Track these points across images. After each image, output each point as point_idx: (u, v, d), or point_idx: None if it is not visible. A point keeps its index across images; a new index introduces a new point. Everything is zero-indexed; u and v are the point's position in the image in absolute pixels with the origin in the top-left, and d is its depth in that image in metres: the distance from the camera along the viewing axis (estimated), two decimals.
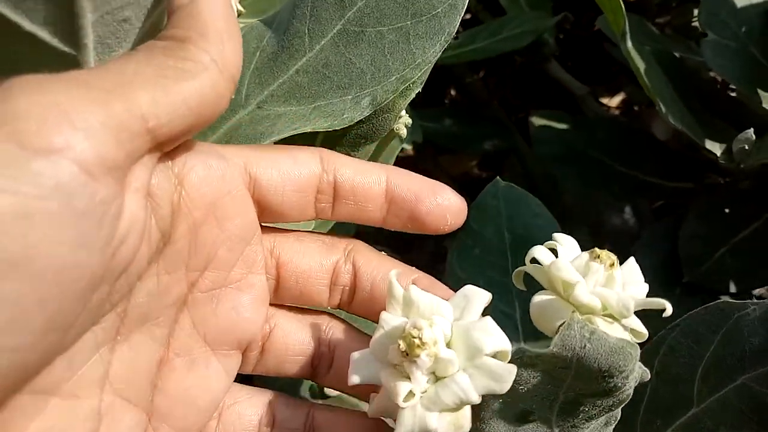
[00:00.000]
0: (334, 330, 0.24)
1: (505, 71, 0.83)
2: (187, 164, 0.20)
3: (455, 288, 0.21)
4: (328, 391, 0.41)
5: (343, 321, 0.24)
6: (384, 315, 0.20)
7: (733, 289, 0.50)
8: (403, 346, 0.19)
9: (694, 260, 0.51)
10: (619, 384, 0.21)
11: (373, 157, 0.33)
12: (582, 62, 0.79)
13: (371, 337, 0.23)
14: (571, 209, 0.65)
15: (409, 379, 0.19)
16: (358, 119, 0.24)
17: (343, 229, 0.24)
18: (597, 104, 0.73)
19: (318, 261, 0.23)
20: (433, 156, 0.77)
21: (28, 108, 0.15)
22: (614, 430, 0.24)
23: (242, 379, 0.24)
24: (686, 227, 0.52)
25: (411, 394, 0.19)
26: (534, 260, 0.23)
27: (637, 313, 0.22)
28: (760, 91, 0.48)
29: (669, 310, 0.22)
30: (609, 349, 0.20)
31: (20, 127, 0.15)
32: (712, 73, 0.60)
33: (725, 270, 0.50)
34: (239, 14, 0.30)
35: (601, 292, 0.22)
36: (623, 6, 0.45)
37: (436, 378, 0.19)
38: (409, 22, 0.24)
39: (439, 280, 0.24)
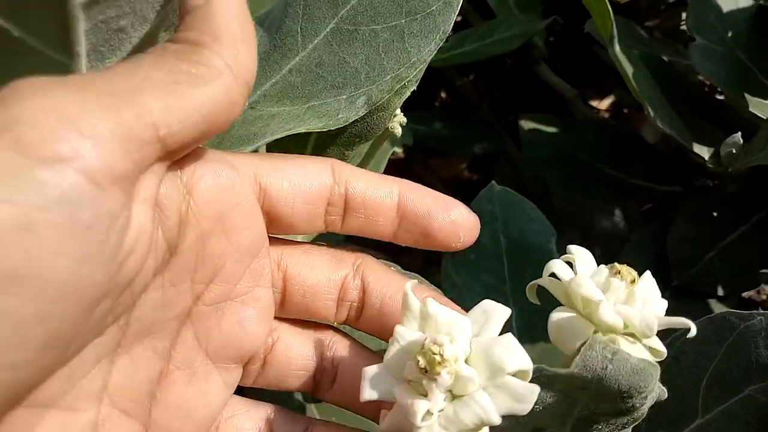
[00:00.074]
0: (338, 345, 0.23)
1: (495, 74, 0.83)
2: (197, 173, 0.19)
3: (450, 294, 0.21)
4: None
5: (347, 336, 0.24)
6: (399, 329, 0.19)
7: (721, 292, 0.50)
8: (422, 362, 0.18)
9: (683, 263, 0.52)
10: (637, 404, 0.21)
11: (367, 156, 0.33)
12: (572, 65, 0.79)
13: (375, 353, 0.23)
14: (561, 212, 0.65)
15: (426, 396, 0.18)
16: (353, 119, 0.24)
17: (333, 236, 0.23)
18: (586, 107, 0.74)
19: (326, 275, 0.22)
20: (424, 159, 0.77)
21: (34, 113, 0.14)
22: None
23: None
24: (675, 230, 0.53)
25: (428, 412, 0.18)
26: (552, 275, 0.23)
27: None
28: (747, 95, 0.49)
29: (693, 330, 0.21)
30: (630, 369, 0.19)
31: (24, 134, 0.14)
32: (700, 77, 0.61)
33: (714, 273, 0.51)
34: None
35: (623, 310, 0.21)
36: (611, 10, 0.45)
37: (453, 396, 0.19)
38: (403, 21, 0.24)
39: (433, 284, 0.23)
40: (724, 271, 0.50)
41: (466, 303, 0.21)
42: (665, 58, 0.57)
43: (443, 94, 0.86)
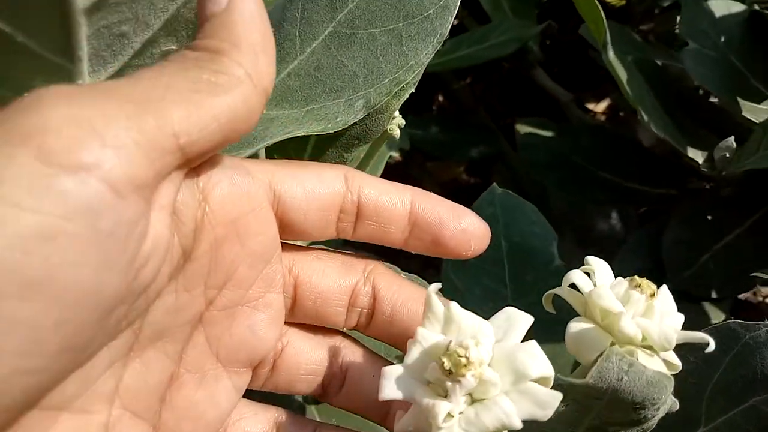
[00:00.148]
0: (347, 350, 0.23)
1: (492, 77, 0.83)
2: (212, 179, 0.19)
3: (450, 297, 0.21)
4: None
5: (356, 342, 0.24)
6: (422, 331, 0.20)
7: (715, 295, 0.51)
8: (447, 364, 0.18)
9: (678, 266, 0.52)
10: (650, 415, 0.21)
11: (365, 159, 0.33)
12: (568, 68, 0.80)
13: (384, 359, 0.23)
14: (557, 214, 0.65)
15: (446, 398, 0.18)
16: (352, 122, 0.24)
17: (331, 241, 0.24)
18: (581, 111, 0.74)
19: (337, 282, 0.23)
20: (421, 163, 0.77)
21: (57, 122, 0.14)
22: None
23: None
24: (670, 233, 0.53)
25: (448, 415, 0.18)
26: (571, 285, 0.23)
27: None
28: (740, 100, 0.49)
29: (712, 345, 0.21)
30: (645, 381, 0.20)
31: (48, 143, 0.14)
32: (695, 81, 0.61)
33: (708, 276, 0.51)
34: None
35: (642, 323, 0.21)
36: (604, 16, 0.45)
37: (472, 399, 0.19)
38: (401, 24, 0.24)
39: None
40: (719, 273, 0.51)
41: (466, 307, 0.21)
42: (659, 63, 0.57)
43: (440, 98, 0.86)
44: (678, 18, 0.52)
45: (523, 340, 0.19)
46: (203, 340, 0.21)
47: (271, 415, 0.23)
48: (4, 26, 0.18)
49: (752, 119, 0.48)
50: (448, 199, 0.23)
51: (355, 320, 0.23)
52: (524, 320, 0.20)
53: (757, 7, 0.51)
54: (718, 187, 0.55)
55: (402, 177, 0.23)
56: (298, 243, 0.24)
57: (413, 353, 0.19)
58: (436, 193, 0.23)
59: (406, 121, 0.30)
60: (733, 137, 0.48)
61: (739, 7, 0.52)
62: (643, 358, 0.21)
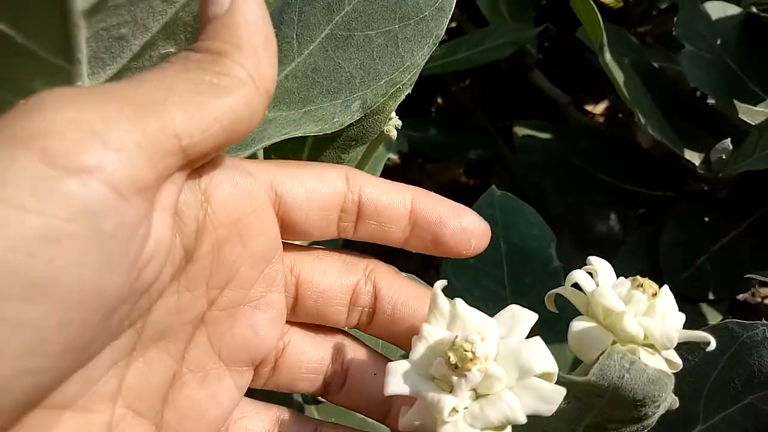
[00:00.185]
0: (348, 349, 0.23)
1: (491, 80, 0.84)
2: (214, 180, 0.19)
3: (451, 298, 0.21)
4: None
5: (357, 340, 0.24)
6: (427, 327, 0.20)
7: (712, 296, 0.51)
8: (453, 359, 0.18)
9: (675, 268, 0.52)
10: (650, 413, 0.21)
11: (363, 160, 0.33)
12: (567, 69, 0.80)
13: (385, 357, 0.24)
14: (556, 216, 0.65)
15: (451, 393, 0.19)
16: (349, 123, 0.25)
17: (332, 240, 0.24)
18: (579, 113, 0.74)
19: (338, 281, 0.23)
20: (419, 165, 0.77)
21: (60, 125, 0.15)
22: None
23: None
24: (667, 235, 0.53)
25: (453, 409, 0.18)
26: (574, 285, 0.23)
27: None
28: (736, 102, 0.50)
29: (713, 344, 0.22)
30: (646, 379, 0.20)
31: (51, 145, 0.14)
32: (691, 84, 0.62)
33: (705, 277, 0.51)
34: None
35: (644, 322, 0.21)
36: (601, 19, 0.46)
37: (477, 395, 0.19)
38: (396, 26, 0.24)
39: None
40: (716, 275, 0.51)
41: None
42: (656, 65, 0.58)
43: (440, 100, 0.86)
44: (675, 20, 0.52)
45: (526, 338, 0.20)
46: (205, 340, 0.21)
47: (273, 413, 0.23)
48: (4, 28, 0.19)
49: (748, 121, 0.48)
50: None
51: (356, 319, 0.23)
52: (528, 317, 0.20)
53: (755, 10, 0.52)
54: (714, 189, 0.55)
55: (401, 179, 0.23)
56: (300, 243, 0.24)
57: (418, 349, 0.20)
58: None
59: (405, 124, 0.30)
60: (729, 139, 0.48)
61: (735, 10, 0.52)
62: (645, 357, 0.21)
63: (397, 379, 0.19)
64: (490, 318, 0.20)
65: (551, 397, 0.18)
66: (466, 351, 0.18)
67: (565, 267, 0.43)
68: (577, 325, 0.22)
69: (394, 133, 0.29)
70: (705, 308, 0.51)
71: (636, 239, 0.57)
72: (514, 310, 0.20)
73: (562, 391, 0.18)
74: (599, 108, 0.83)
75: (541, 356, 0.19)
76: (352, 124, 0.26)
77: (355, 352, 0.23)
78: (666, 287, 0.23)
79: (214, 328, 0.21)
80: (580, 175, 0.61)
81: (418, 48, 0.24)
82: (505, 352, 0.19)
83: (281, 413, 0.23)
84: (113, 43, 0.20)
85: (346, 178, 0.22)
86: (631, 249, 0.56)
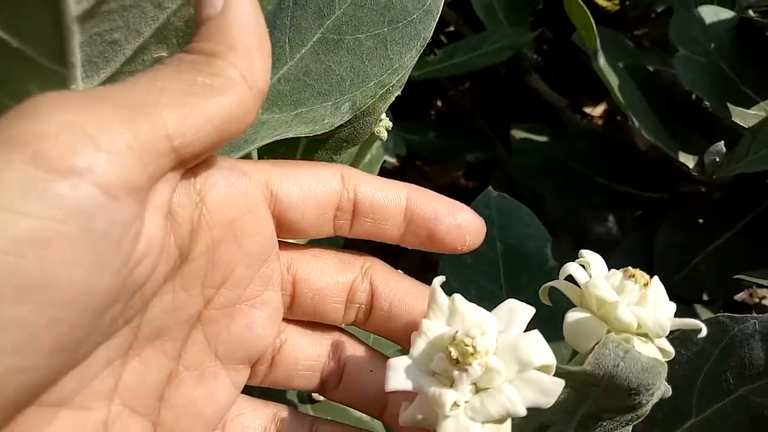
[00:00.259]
0: (345, 346, 0.24)
1: (490, 83, 0.84)
2: (209, 181, 0.20)
3: (447, 295, 0.22)
4: (316, 396, 0.41)
5: (353, 337, 0.24)
6: (427, 323, 0.20)
7: (706, 297, 0.51)
8: (454, 353, 0.18)
9: (670, 269, 0.52)
10: (644, 401, 0.21)
11: (355, 161, 0.34)
12: (566, 72, 0.80)
13: (382, 353, 0.24)
14: (553, 218, 0.66)
15: (452, 387, 0.19)
16: (338, 124, 0.25)
17: (332, 239, 0.24)
18: (577, 116, 0.75)
19: (334, 279, 0.23)
20: (418, 168, 0.78)
21: (52, 128, 0.15)
22: None
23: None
24: (661, 237, 0.54)
25: (454, 404, 0.19)
26: (567, 277, 0.23)
27: None
28: (729, 105, 0.50)
29: (704, 331, 0.22)
30: (641, 367, 0.20)
31: (43, 149, 0.15)
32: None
33: (700, 278, 0.52)
34: None
35: (637, 311, 0.22)
36: (594, 24, 0.46)
37: (477, 389, 0.19)
38: (386, 29, 0.25)
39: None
40: (710, 276, 0.51)
41: None
42: (651, 68, 0.58)
43: (439, 103, 0.87)
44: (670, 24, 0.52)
45: (524, 332, 0.20)
46: (202, 339, 0.21)
47: (270, 410, 0.23)
48: (0, 33, 0.19)
49: (741, 124, 0.49)
50: None
51: (354, 316, 0.23)
52: (526, 312, 0.20)
53: (752, 13, 0.52)
54: (709, 191, 0.56)
55: (400, 180, 0.23)
56: (296, 241, 0.24)
57: (419, 345, 0.20)
58: None
59: (403, 127, 0.31)
60: (722, 142, 0.49)
61: (728, 14, 0.52)
62: (639, 345, 0.21)
63: (398, 375, 0.19)
64: (489, 313, 0.20)
65: (550, 390, 0.18)
66: (466, 345, 0.18)
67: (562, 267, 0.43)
68: (572, 316, 0.22)
69: (384, 135, 0.29)
70: (700, 309, 0.51)
71: (632, 241, 0.57)
72: (512, 304, 0.21)
73: (560, 383, 0.18)
74: (598, 110, 0.84)
75: (539, 349, 0.19)
76: (343, 125, 0.26)
77: (351, 349, 0.23)
78: (656, 278, 0.23)
79: (211, 326, 0.21)
80: (578, 178, 0.61)
81: (406, 50, 0.25)
82: (504, 346, 0.19)
83: (278, 410, 0.23)
84: (106, 47, 0.20)
85: (341, 177, 0.22)
86: (627, 250, 0.57)
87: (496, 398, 0.19)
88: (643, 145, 0.66)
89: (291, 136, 0.25)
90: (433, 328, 0.20)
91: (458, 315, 0.20)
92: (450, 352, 0.18)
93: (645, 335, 0.22)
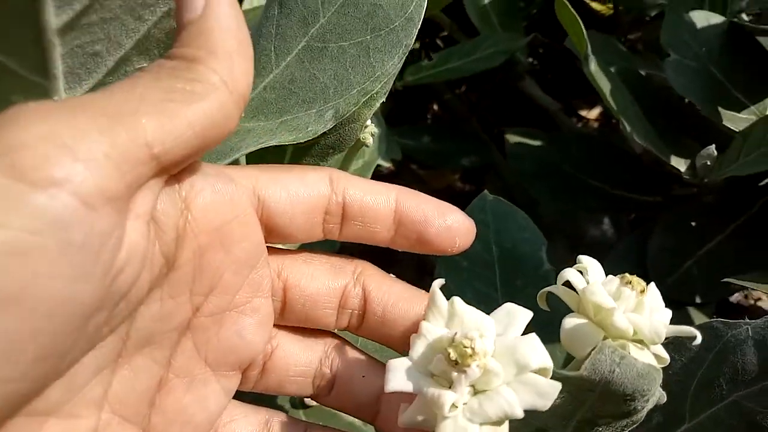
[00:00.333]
0: (337, 351, 0.23)
1: (486, 87, 0.85)
2: (195, 187, 0.19)
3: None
4: (308, 401, 0.41)
5: (346, 342, 0.24)
6: (426, 325, 0.20)
7: (699, 300, 0.51)
8: (453, 355, 0.19)
9: (662, 272, 0.53)
10: (639, 407, 0.22)
11: (342, 167, 0.34)
12: (561, 75, 0.81)
13: (374, 358, 0.24)
14: (548, 221, 0.66)
15: (450, 389, 0.19)
16: (322, 131, 0.25)
17: (328, 243, 0.24)
18: (570, 119, 0.75)
19: (326, 284, 0.23)
20: (413, 173, 0.78)
21: (32, 139, 0.15)
22: None
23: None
24: (654, 240, 0.54)
25: (453, 405, 0.19)
26: (565, 283, 0.23)
27: None
28: (720, 109, 0.50)
29: (699, 338, 0.22)
30: (636, 373, 0.20)
31: (20, 160, 0.14)
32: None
33: (692, 281, 0.52)
34: None
35: (633, 318, 0.22)
36: (584, 30, 0.46)
37: (475, 391, 0.19)
38: (368, 37, 0.25)
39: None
40: (702, 279, 0.51)
41: None
42: (643, 73, 0.58)
43: (435, 107, 0.87)
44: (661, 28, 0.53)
45: (522, 335, 0.20)
46: (191, 346, 0.21)
47: (262, 416, 0.23)
48: None
49: (732, 128, 0.49)
50: None
51: (347, 321, 0.23)
52: (523, 315, 0.20)
53: (744, 17, 0.52)
54: (700, 194, 0.56)
55: (395, 184, 0.24)
56: (286, 246, 0.24)
57: (418, 347, 0.20)
58: None
59: (397, 132, 0.31)
60: (714, 146, 0.49)
61: (719, 19, 0.53)
62: (635, 351, 0.22)
63: (397, 376, 0.20)
64: (487, 316, 0.20)
65: (547, 392, 0.19)
66: (465, 347, 0.18)
67: (558, 271, 0.44)
68: (569, 321, 0.22)
69: (369, 141, 0.30)
70: (693, 312, 0.51)
71: (626, 244, 0.57)
72: (510, 308, 0.21)
73: (557, 386, 0.19)
74: (593, 113, 0.84)
75: (536, 352, 0.19)
76: (328, 132, 0.26)
77: (344, 354, 0.23)
78: (653, 284, 0.24)
79: (200, 334, 0.21)
80: (572, 182, 0.62)
81: (388, 58, 0.25)
82: (502, 349, 0.19)
83: (270, 416, 0.23)
84: (88, 59, 0.20)
85: (329, 180, 0.22)
86: (621, 254, 0.57)
87: (494, 400, 0.19)
88: (638, 148, 0.66)
89: (275, 144, 0.26)
90: (433, 330, 0.20)
91: (457, 318, 0.20)
92: (449, 354, 0.19)
93: (641, 341, 0.22)
